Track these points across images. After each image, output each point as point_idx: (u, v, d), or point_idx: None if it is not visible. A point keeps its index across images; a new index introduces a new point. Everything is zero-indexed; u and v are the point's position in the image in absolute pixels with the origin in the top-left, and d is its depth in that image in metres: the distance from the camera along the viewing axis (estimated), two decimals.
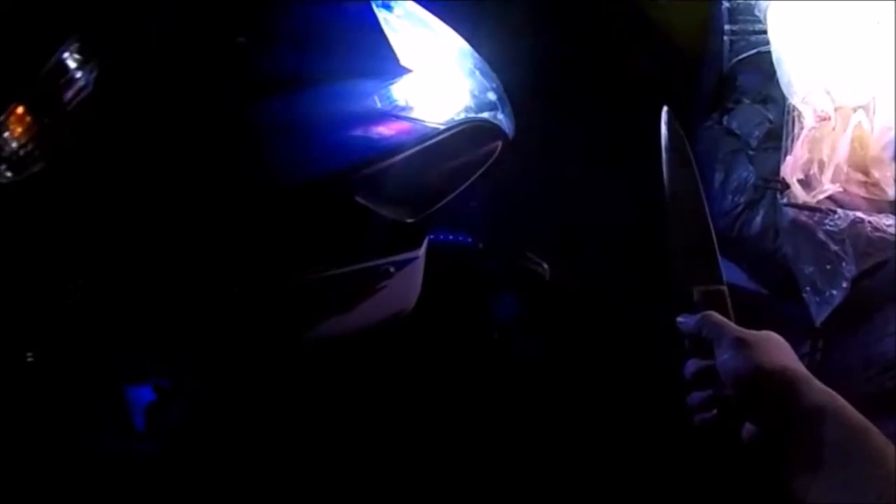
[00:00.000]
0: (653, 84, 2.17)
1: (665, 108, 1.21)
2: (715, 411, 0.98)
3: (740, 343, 0.95)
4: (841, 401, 0.87)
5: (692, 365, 1.02)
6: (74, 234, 1.25)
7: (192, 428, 1.58)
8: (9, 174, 1.18)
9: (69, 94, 1.19)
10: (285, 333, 1.43)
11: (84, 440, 1.50)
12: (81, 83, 1.19)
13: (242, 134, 1.28)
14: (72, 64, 1.19)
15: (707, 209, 1.12)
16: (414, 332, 1.64)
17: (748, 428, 0.94)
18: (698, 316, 1.02)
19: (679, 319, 1.04)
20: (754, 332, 0.99)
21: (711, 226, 1.10)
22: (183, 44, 1.28)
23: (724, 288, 1.05)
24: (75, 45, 1.20)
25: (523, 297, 1.83)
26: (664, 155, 1.16)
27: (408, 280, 1.50)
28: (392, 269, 1.43)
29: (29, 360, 1.30)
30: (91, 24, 1.22)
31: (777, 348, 0.95)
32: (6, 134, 1.17)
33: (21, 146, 1.18)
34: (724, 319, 1.00)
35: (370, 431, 1.67)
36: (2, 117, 1.17)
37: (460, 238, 1.76)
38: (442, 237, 1.71)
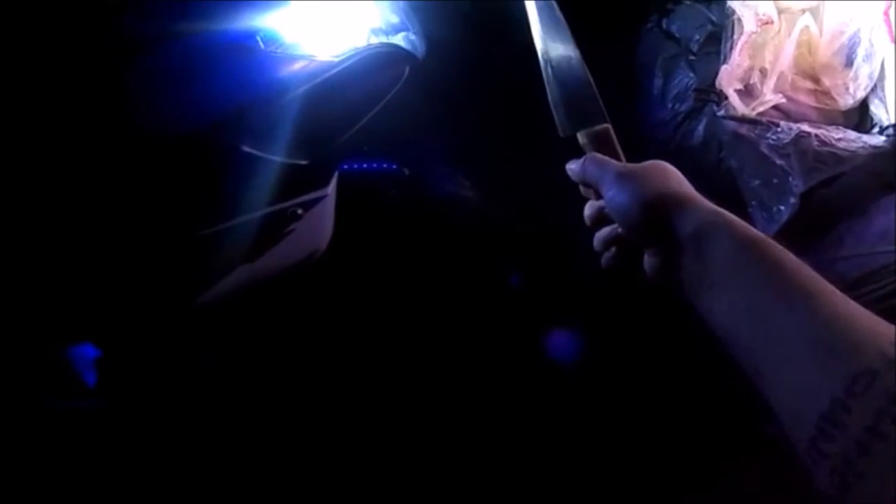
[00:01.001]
0: None
1: None
2: (614, 249, 0.96)
3: (621, 177, 0.90)
4: (729, 216, 0.82)
5: (588, 208, 0.99)
6: None
7: (141, 382, 1.56)
8: None
9: None
10: (199, 287, 1.38)
11: (30, 403, 1.47)
12: None
13: (117, 90, 1.19)
14: None
15: (580, 57, 1.06)
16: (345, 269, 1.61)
17: (648, 260, 0.90)
18: (581, 160, 0.98)
19: (568, 166, 1.00)
20: (637, 164, 0.94)
21: (587, 72, 1.03)
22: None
23: (608, 125, 1.00)
24: None
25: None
26: (531, 13, 1.10)
27: (319, 218, 1.45)
28: (300, 211, 1.37)
29: None
30: None
31: (661, 175, 0.91)
32: None
33: None
34: (606, 158, 0.96)
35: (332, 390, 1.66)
36: None
37: (383, 166, 1.68)
38: (361, 166, 1.64)
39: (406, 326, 1.71)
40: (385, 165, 1.68)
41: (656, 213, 0.85)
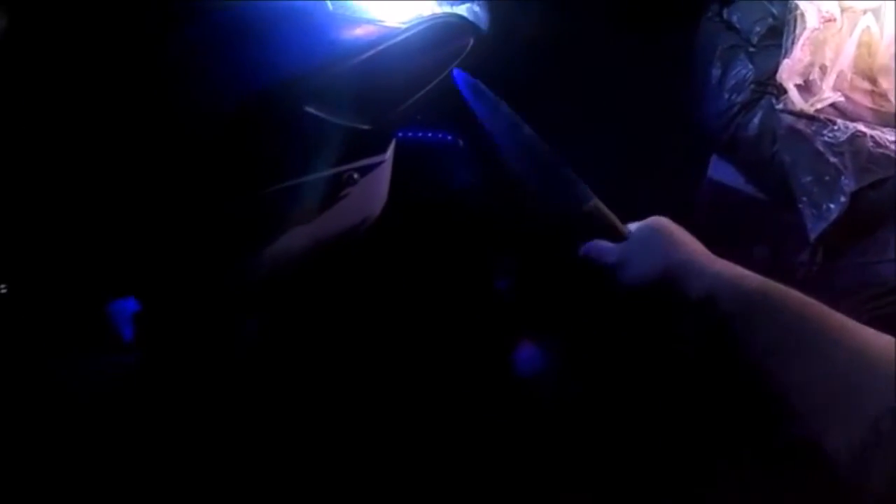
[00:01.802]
0: None
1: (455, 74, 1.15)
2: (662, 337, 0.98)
3: (625, 261, 0.93)
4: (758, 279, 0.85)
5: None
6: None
7: (180, 338, 1.55)
8: None
9: None
10: (252, 247, 1.39)
11: (68, 357, 1.47)
12: None
13: (187, 46, 1.21)
14: None
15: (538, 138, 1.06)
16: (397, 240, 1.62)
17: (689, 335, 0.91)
18: (582, 249, 0.99)
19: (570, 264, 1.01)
20: (637, 234, 0.96)
21: (554, 152, 1.04)
22: None
23: (594, 202, 1.00)
24: None
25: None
26: (486, 122, 1.10)
27: (373, 185, 1.46)
28: (356, 175, 1.38)
29: (2, 292, 1.29)
30: None
31: (666, 242, 0.92)
32: None
33: None
34: (602, 246, 0.96)
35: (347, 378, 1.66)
36: None
37: (439, 135, 1.69)
38: (418, 135, 1.65)
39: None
40: (440, 135, 1.68)
41: (671, 284, 0.87)
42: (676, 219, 0.99)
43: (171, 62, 1.20)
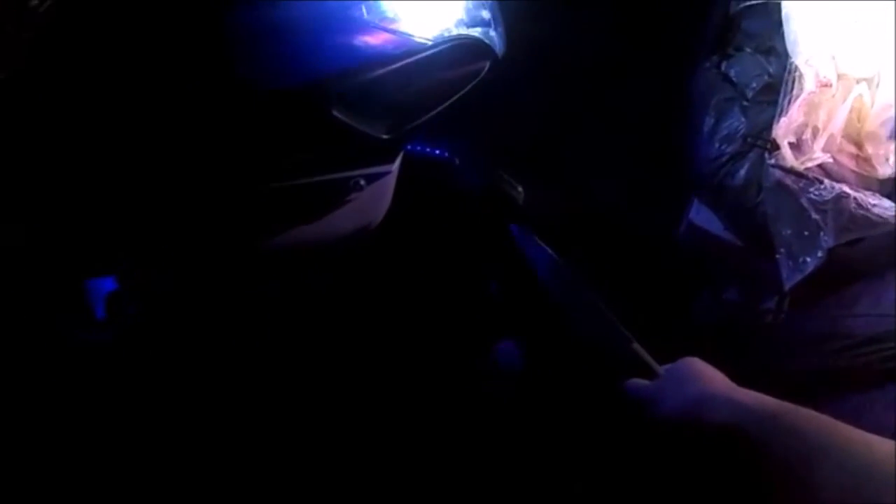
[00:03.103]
0: (657, 17, 2.12)
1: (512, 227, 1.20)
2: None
3: (656, 401, 0.97)
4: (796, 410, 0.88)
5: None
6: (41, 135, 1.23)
7: (151, 319, 1.56)
8: None
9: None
10: (251, 238, 1.42)
11: (43, 326, 1.48)
12: None
13: (222, 36, 1.24)
14: None
15: (583, 283, 1.11)
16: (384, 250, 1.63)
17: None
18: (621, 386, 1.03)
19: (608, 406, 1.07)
20: (671, 374, 1.01)
21: (598, 299, 1.09)
22: None
23: (635, 345, 1.06)
24: None
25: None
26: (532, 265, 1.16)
27: (378, 194, 1.48)
28: (363, 182, 1.41)
29: None
30: None
31: (696, 377, 0.97)
32: None
33: None
34: (639, 383, 1.01)
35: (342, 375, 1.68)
36: None
37: (436, 152, 1.72)
38: (418, 149, 1.68)
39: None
40: (437, 152, 1.72)
41: (700, 416, 0.91)
42: (653, 256, 1.03)
43: (222, 40, 1.24)
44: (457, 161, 1.74)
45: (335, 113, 1.27)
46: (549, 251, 1.15)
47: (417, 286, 1.76)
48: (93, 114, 1.22)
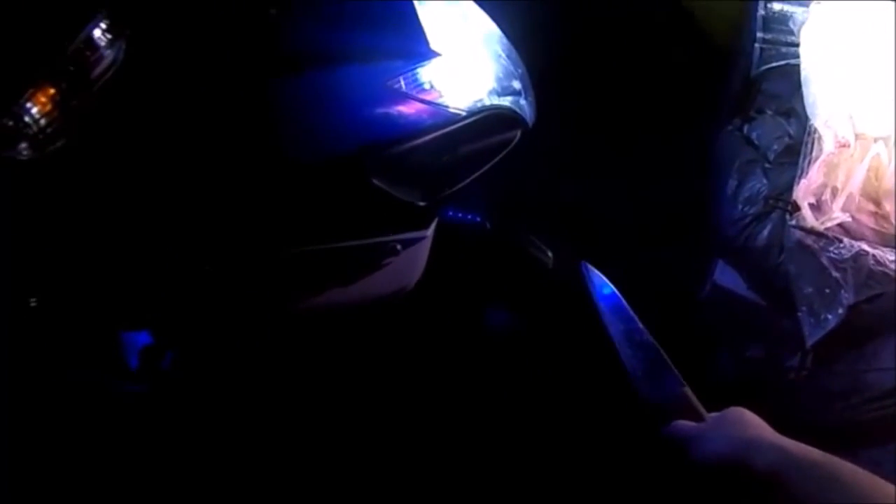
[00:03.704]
0: (680, 80, 2.18)
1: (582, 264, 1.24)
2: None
3: (701, 443, 0.98)
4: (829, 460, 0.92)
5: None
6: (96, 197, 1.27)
7: (183, 374, 1.60)
8: (30, 152, 1.19)
9: (97, 70, 1.19)
10: (289, 300, 1.45)
11: (78, 375, 1.52)
12: (109, 60, 1.19)
13: (266, 107, 1.29)
14: (101, 41, 1.19)
15: (641, 325, 1.15)
16: (416, 313, 1.67)
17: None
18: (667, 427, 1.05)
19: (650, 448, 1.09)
20: (718, 419, 1.03)
21: (654, 341, 1.12)
22: (214, 13, 1.29)
23: (684, 389, 1.08)
24: (104, 22, 1.19)
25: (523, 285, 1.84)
26: (597, 305, 1.19)
27: (413, 258, 1.51)
28: (399, 247, 1.44)
29: (32, 305, 1.32)
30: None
31: (741, 424, 1.00)
32: (29, 112, 1.16)
33: (45, 124, 1.17)
34: (687, 425, 1.03)
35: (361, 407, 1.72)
36: (24, 96, 1.16)
37: (468, 217, 1.76)
38: (451, 214, 1.72)
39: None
40: (469, 217, 1.76)
41: (742, 460, 0.93)
42: (679, 316, 1.06)
43: (265, 107, 1.29)
44: (488, 226, 1.78)
45: (375, 181, 1.32)
46: (614, 289, 1.17)
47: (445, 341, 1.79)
48: (143, 180, 1.27)
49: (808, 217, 1.71)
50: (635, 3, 2.31)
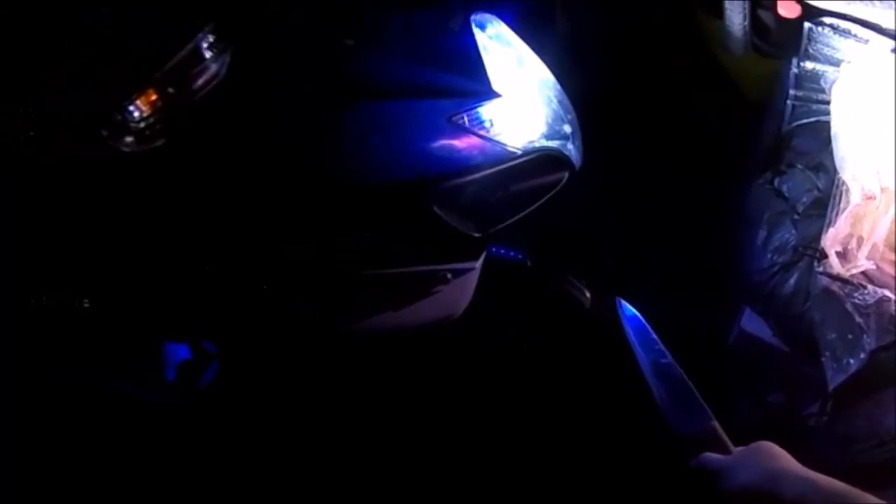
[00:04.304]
0: (715, 134, 2.28)
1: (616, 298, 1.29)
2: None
3: (728, 474, 1.03)
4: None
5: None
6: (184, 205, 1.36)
7: (219, 389, 1.66)
8: (133, 145, 1.28)
9: (200, 80, 1.29)
10: (341, 321, 1.52)
11: (117, 382, 1.59)
12: (213, 72, 1.29)
13: (339, 131, 1.38)
14: (206, 52, 1.29)
15: (672, 360, 1.21)
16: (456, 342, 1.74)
17: None
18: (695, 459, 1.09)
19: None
20: (744, 453, 1.07)
21: (685, 375, 1.18)
22: (301, 40, 1.38)
23: (713, 423, 1.12)
24: (211, 34, 1.29)
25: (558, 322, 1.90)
26: (629, 339, 1.25)
27: (461, 288, 1.57)
28: (449, 276, 1.51)
29: (85, 305, 1.40)
30: (227, 13, 1.32)
31: (767, 458, 1.04)
32: (136, 110, 1.26)
33: (148, 123, 1.27)
34: (714, 458, 1.07)
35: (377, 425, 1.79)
36: (135, 94, 1.26)
37: (512, 254, 1.82)
38: (494, 250, 1.75)
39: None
40: (512, 253, 1.83)
41: (769, 491, 0.98)
42: (706, 360, 1.10)
43: (338, 130, 1.38)
44: (529, 263, 1.85)
45: (436, 209, 1.40)
46: (646, 324, 1.22)
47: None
48: (216, 192, 1.37)
49: (835, 264, 1.79)
50: (676, 60, 2.43)
